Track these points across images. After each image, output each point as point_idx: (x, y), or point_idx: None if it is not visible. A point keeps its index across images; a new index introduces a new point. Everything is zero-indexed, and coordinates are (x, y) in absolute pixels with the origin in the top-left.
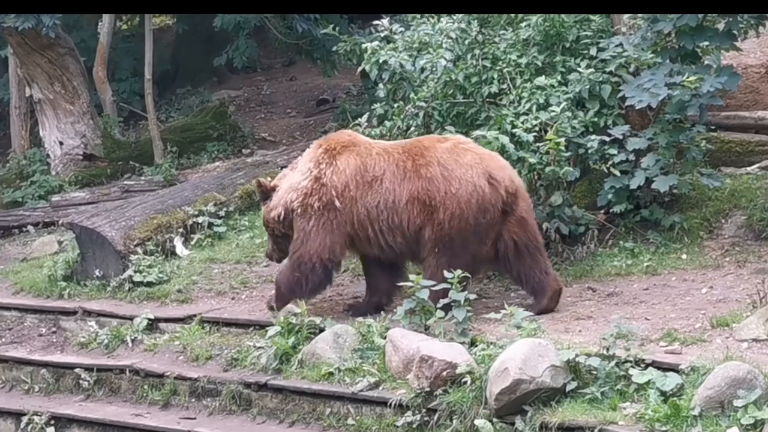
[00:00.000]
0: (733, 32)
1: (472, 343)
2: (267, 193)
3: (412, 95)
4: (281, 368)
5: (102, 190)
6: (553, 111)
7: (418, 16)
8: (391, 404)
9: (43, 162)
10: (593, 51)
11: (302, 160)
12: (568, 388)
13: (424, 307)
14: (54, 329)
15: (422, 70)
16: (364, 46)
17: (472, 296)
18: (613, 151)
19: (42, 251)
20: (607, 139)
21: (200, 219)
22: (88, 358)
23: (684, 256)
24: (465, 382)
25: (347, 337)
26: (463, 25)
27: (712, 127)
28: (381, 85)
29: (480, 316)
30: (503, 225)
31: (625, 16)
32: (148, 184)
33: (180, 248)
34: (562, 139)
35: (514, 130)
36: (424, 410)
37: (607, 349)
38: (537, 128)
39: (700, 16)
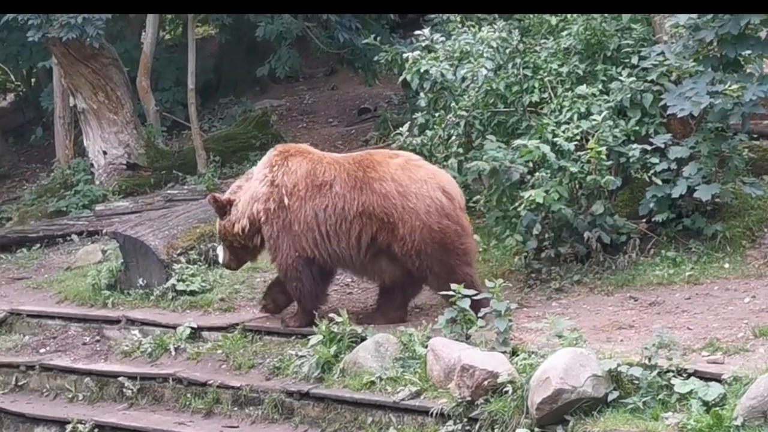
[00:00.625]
0: None
1: (514, 353)
2: (223, 207)
3: (453, 104)
4: (323, 377)
5: (145, 199)
6: (595, 120)
7: (459, 26)
8: (432, 413)
9: (87, 171)
10: (635, 59)
11: (258, 168)
12: (610, 397)
13: (466, 316)
14: (98, 338)
15: (463, 79)
16: (405, 55)
17: (513, 306)
18: (655, 159)
19: (86, 260)
20: (649, 147)
21: None
22: (132, 366)
23: (726, 266)
24: (506, 392)
25: (389, 346)
26: (504, 34)
27: (755, 136)
28: (422, 95)
29: (521, 325)
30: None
31: (667, 25)
32: (191, 194)
33: (223, 257)
34: (604, 148)
35: (555, 139)
36: (465, 420)
37: (649, 359)
38: (578, 137)
39: (743, 24)
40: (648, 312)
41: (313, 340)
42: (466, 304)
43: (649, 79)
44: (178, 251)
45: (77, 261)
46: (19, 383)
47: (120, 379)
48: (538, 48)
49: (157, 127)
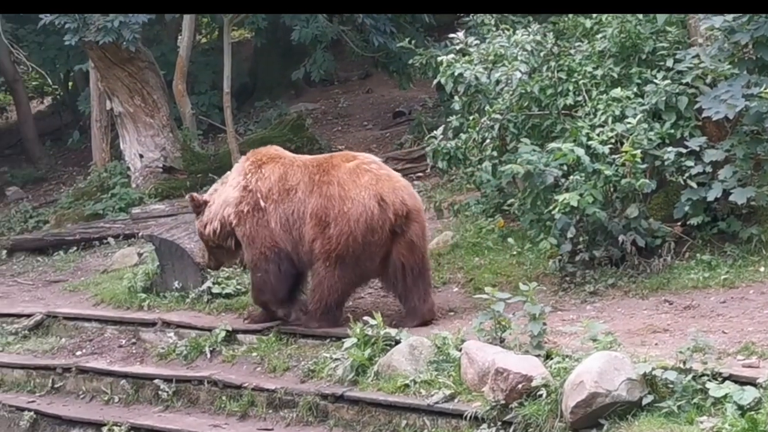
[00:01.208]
0: None
1: (548, 356)
2: (199, 207)
3: (487, 108)
4: (357, 380)
5: (181, 202)
6: (629, 123)
7: (494, 29)
8: (466, 417)
9: (123, 175)
10: (669, 62)
11: (232, 174)
12: (645, 401)
13: (500, 320)
14: (134, 340)
15: (497, 82)
16: (439, 58)
17: (548, 309)
18: (690, 162)
19: (122, 263)
20: (684, 150)
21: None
22: (167, 369)
23: (762, 269)
24: (540, 395)
25: (423, 349)
26: (538, 37)
27: None
28: (456, 98)
29: (555, 328)
30: (393, 245)
31: (702, 27)
32: None
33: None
34: (638, 151)
35: (590, 142)
36: (499, 423)
37: (684, 363)
38: (613, 140)
39: None
40: (683, 316)
41: (348, 343)
42: (500, 307)
43: (684, 81)
44: None
45: (113, 264)
46: (56, 385)
47: (156, 381)
48: (572, 51)
49: (193, 131)
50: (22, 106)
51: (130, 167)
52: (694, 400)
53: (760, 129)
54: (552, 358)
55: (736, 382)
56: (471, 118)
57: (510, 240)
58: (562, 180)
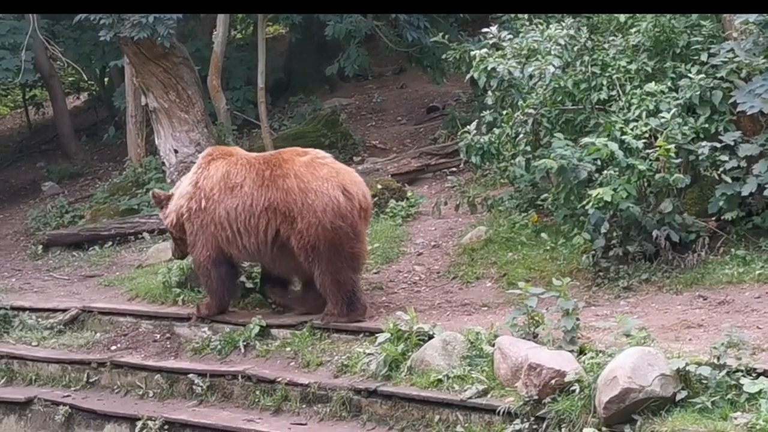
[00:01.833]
0: None
1: (581, 351)
2: (161, 201)
3: (520, 102)
4: (390, 375)
5: None
6: (663, 117)
7: (527, 23)
8: (499, 412)
9: (158, 170)
10: (704, 56)
11: (192, 168)
12: (678, 397)
13: (533, 315)
14: (168, 335)
15: (531, 77)
16: (472, 53)
17: (581, 304)
18: (725, 157)
19: (157, 258)
20: (719, 145)
21: None
22: (202, 363)
23: None
24: (573, 391)
25: (456, 345)
26: (572, 32)
27: None
28: (490, 93)
29: (589, 323)
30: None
31: (737, 21)
32: None
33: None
34: (673, 146)
35: (624, 137)
36: (532, 418)
37: (718, 358)
38: (647, 135)
39: None
40: (717, 311)
41: (381, 338)
42: (533, 302)
43: (718, 76)
44: None
45: (148, 259)
46: (91, 380)
47: (190, 376)
48: (606, 45)
49: (227, 126)
50: (58, 101)
51: (164, 162)
52: (728, 396)
53: None
54: (585, 354)
55: None
56: (504, 112)
57: (543, 235)
58: (596, 175)
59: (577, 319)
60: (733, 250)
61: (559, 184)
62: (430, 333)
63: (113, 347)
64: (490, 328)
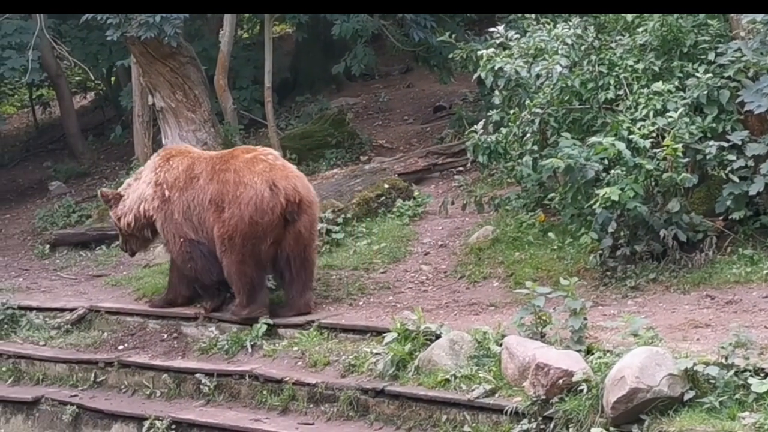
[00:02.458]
0: None
1: (589, 351)
2: (110, 201)
3: (527, 102)
4: (398, 374)
5: None
6: (671, 117)
7: (534, 23)
8: (506, 412)
9: None
10: (711, 56)
11: (145, 171)
12: (686, 397)
13: (540, 315)
14: (175, 335)
15: (538, 76)
16: (479, 53)
17: (588, 304)
18: (732, 156)
19: (164, 258)
20: (726, 144)
21: (318, 226)
22: (209, 363)
23: None
24: (581, 391)
25: (463, 344)
26: (579, 31)
27: None
28: (497, 92)
29: (596, 323)
30: (284, 233)
31: (744, 21)
32: None
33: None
34: (680, 145)
35: (631, 136)
36: (540, 418)
37: (726, 358)
38: (654, 134)
39: None
40: (725, 311)
41: (388, 337)
42: (541, 302)
43: (725, 75)
44: None
45: (155, 258)
46: (98, 380)
47: (197, 375)
48: (613, 45)
49: (234, 126)
50: (65, 101)
51: None
52: (736, 396)
53: None
54: (593, 353)
55: None
56: (511, 112)
57: (551, 234)
58: (603, 174)
59: (585, 319)
60: (740, 249)
61: (566, 183)
62: (438, 333)
63: (120, 347)
64: (498, 328)
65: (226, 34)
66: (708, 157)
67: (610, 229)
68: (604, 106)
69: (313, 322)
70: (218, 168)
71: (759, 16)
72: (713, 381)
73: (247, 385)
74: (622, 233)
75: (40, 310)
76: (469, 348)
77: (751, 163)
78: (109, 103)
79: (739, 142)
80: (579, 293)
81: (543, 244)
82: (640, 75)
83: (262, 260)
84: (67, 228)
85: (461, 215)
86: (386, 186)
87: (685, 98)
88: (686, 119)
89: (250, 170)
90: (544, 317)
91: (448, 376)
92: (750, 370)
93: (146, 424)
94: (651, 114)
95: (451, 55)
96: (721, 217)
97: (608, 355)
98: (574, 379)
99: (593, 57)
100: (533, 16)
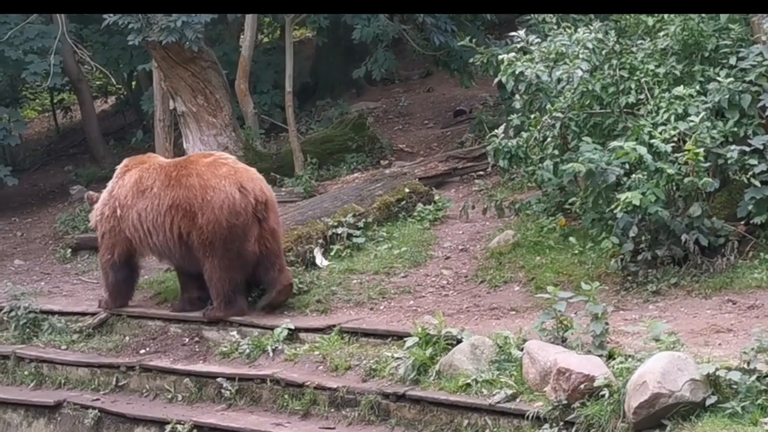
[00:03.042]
0: None
1: (610, 356)
2: (93, 203)
3: (548, 106)
4: (419, 379)
5: None
6: (692, 121)
7: (555, 27)
8: (528, 417)
9: None
10: (733, 60)
11: (112, 179)
12: (708, 402)
13: (562, 320)
14: (197, 339)
15: (559, 80)
16: (500, 57)
17: (610, 308)
18: (754, 161)
19: None
20: (747, 149)
21: (339, 230)
22: (230, 367)
23: None
24: (603, 396)
25: (484, 349)
26: (600, 35)
27: None
28: (517, 96)
29: (618, 328)
30: (260, 231)
31: (765, 25)
32: (289, 195)
33: (319, 259)
34: (701, 150)
35: (652, 141)
36: (561, 423)
37: (748, 363)
38: (675, 138)
39: None
40: (747, 315)
41: (409, 342)
42: (562, 306)
43: (747, 79)
44: None
45: None
46: (120, 383)
47: (218, 380)
48: (634, 49)
49: (255, 130)
50: (86, 105)
51: None
52: (759, 401)
53: None
54: (614, 358)
55: None
56: (532, 116)
57: (571, 239)
58: (624, 179)
59: (606, 324)
60: (762, 254)
61: (587, 187)
62: (459, 337)
63: (142, 351)
64: (519, 333)
65: (247, 38)
66: (729, 161)
67: (631, 234)
68: (625, 110)
69: (334, 326)
70: (177, 174)
71: None
72: (735, 386)
73: (268, 389)
74: (643, 238)
75: (62, 314)
76: (490, 352)
77: None
78: (130, 107)
79: (761, 147)
80: (600, 298)
81: (564, 249)
82: (661, 79)
83: (248, 261)
84: (89, 232)
85: (482, 219)
86: (407, 190)
87: (706, 102)
88: (707, 123)
89: (215, 174)
90: (565, 322)
91: (469, 381)
92: None
93: (168, 428)
94: (672, 118)
95: (471, 60)
96: (742, 222)
97: (630, 360)
98: (596, 384)
99: (614, 61)
100: (554, 20)
